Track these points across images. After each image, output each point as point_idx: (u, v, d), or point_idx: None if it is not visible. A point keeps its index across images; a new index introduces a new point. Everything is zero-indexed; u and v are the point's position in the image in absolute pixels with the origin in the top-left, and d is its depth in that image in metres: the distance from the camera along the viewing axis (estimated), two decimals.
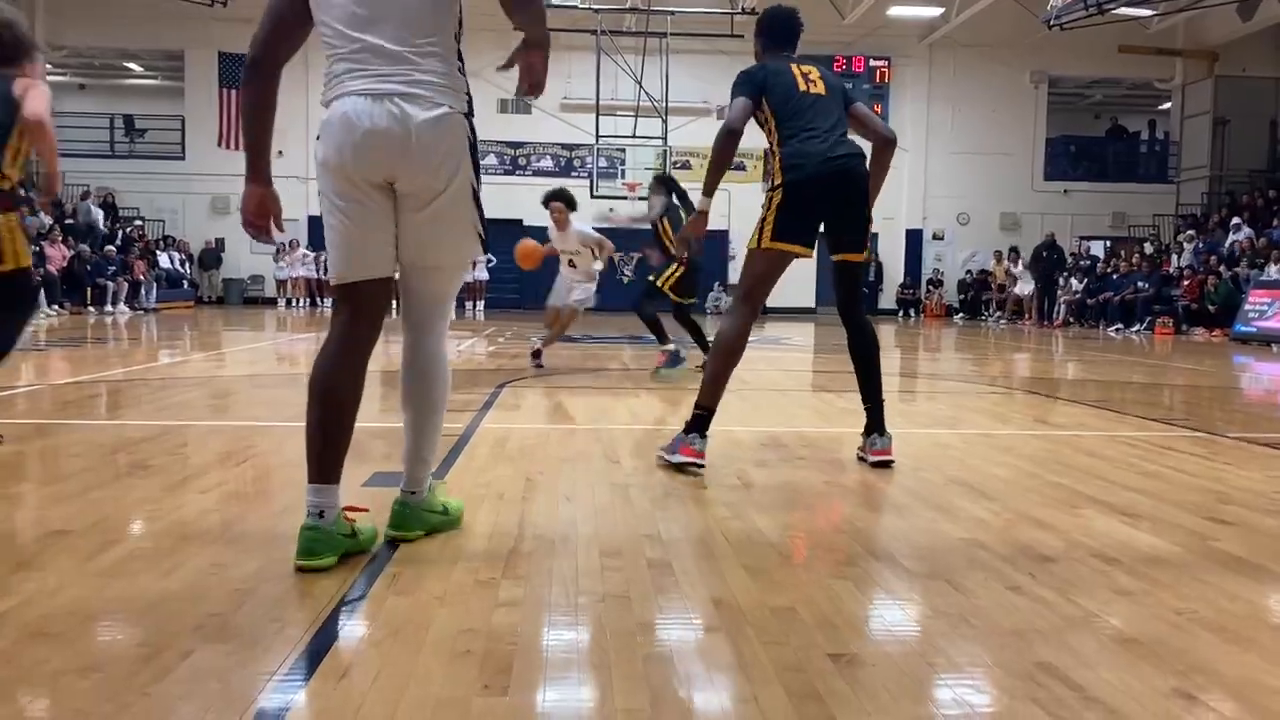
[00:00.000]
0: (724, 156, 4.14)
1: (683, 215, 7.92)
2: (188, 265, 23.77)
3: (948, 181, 25.70)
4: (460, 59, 2.62)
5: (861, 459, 4.32)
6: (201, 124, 24.56)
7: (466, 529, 3.05)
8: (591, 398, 6.99)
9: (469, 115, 2.62)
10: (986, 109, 25.51)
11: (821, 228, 4.18)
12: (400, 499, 2.84)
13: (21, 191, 4.35)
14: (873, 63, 24.83)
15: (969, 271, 25.41)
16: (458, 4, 2.60)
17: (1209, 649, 2.15)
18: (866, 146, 4.26)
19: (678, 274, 8.23)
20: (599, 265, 8.77)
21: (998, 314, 23.88)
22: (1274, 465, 4.69)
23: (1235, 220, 21.08)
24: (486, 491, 3.64)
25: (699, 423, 3.94)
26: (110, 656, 2.01)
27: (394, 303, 2.74)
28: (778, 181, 4.05)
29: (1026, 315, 23.07)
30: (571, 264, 8.56)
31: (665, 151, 21.47)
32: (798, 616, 2.33)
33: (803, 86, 4.12)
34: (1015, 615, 2.38)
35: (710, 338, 7.21)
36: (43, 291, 16.89)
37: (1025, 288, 23.44)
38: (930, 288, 25.71)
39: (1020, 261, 23.98)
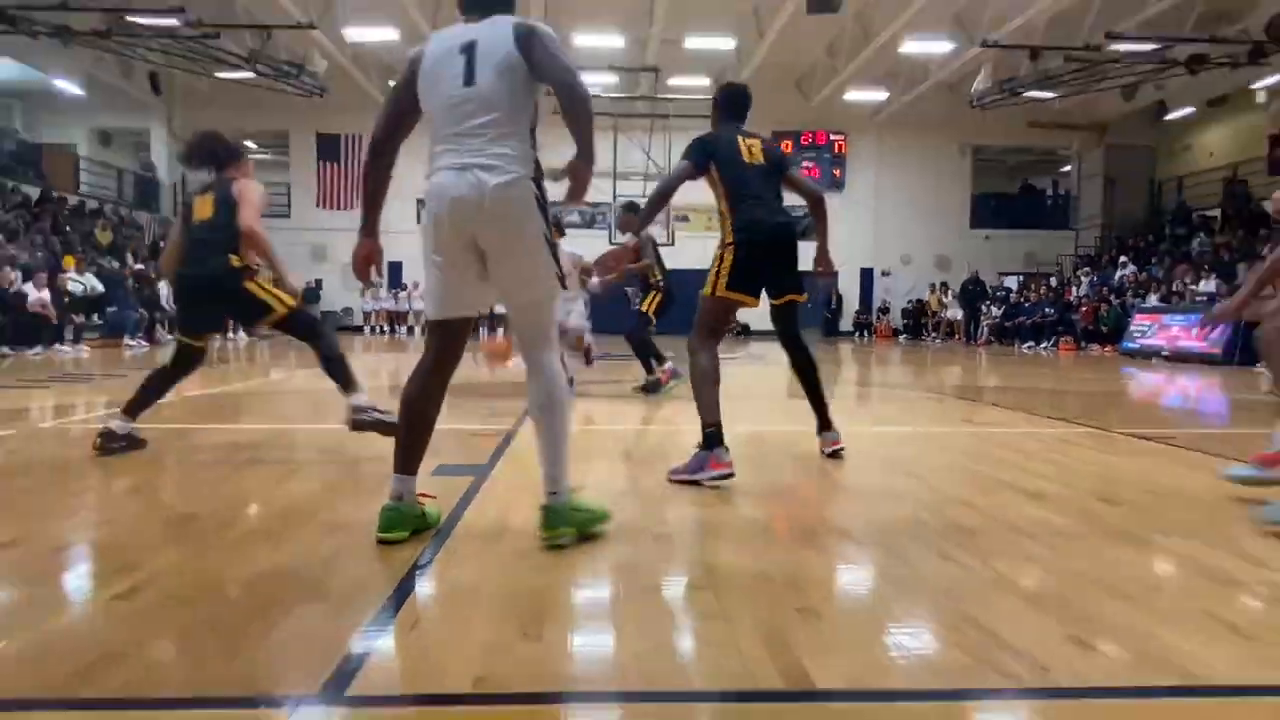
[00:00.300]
0: (657, 208, 4.23)
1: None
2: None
3: (893, 230, 25.69)
4: (533, 137, 2.60)
5: (822, 452, 4.26)
6: (303, 189, 24.74)
7: (510, 509, 3.04)
8: (606, 404, 6.96)
9: (537, 180, 2.57)
10: (924, 172, 25.50)
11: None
12: (544, 502, 2.60)
13: (257, 264, 4.25)
14: (832, 136, 24.84)
15: (910, 301, 25.33)
16: (534, 99, 2.59)
17: (1098, 603, 2.14)
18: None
19: (659, 299, 7.64)
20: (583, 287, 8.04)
21: (934, 335, 23.84)
22: (1153, 455, 4.67)
23: (1122, 259, 21.05)
24: (526, 480, 3.62)
25: (715, 439, 3.62)
26: (229, 614, 2.02)
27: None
28: (729, 240, 3.89)
29: (956, 336, 23.07)
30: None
31: (668, 208, 21.42)
32: (772, 579, 2.33)
33: (746, 157, 3.94)
34: (945, 577, 2.38)
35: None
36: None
37: (955, 314, 23.46)
38: (880, 314, 25.63)
39: (950, 293, 24.02)
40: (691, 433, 4.98)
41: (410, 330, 22.84)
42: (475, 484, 3.49)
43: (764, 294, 4.05)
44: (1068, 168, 27.27)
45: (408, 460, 2.64)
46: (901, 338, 24.65)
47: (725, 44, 19.71)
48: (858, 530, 2.89)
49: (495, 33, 2.54)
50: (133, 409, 4.18)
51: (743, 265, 3.86)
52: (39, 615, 2.01)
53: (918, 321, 24.74)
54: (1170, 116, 23.74)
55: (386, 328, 23.41)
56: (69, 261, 15.90)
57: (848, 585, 2.44)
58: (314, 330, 4.28)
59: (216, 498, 3.29)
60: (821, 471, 4.02)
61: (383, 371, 10.06)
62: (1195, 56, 16.91)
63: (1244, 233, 18.64)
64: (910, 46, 18.81)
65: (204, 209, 4.19)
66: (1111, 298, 19.35)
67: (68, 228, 18.36)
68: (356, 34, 18.99)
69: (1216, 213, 21.08)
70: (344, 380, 4.16)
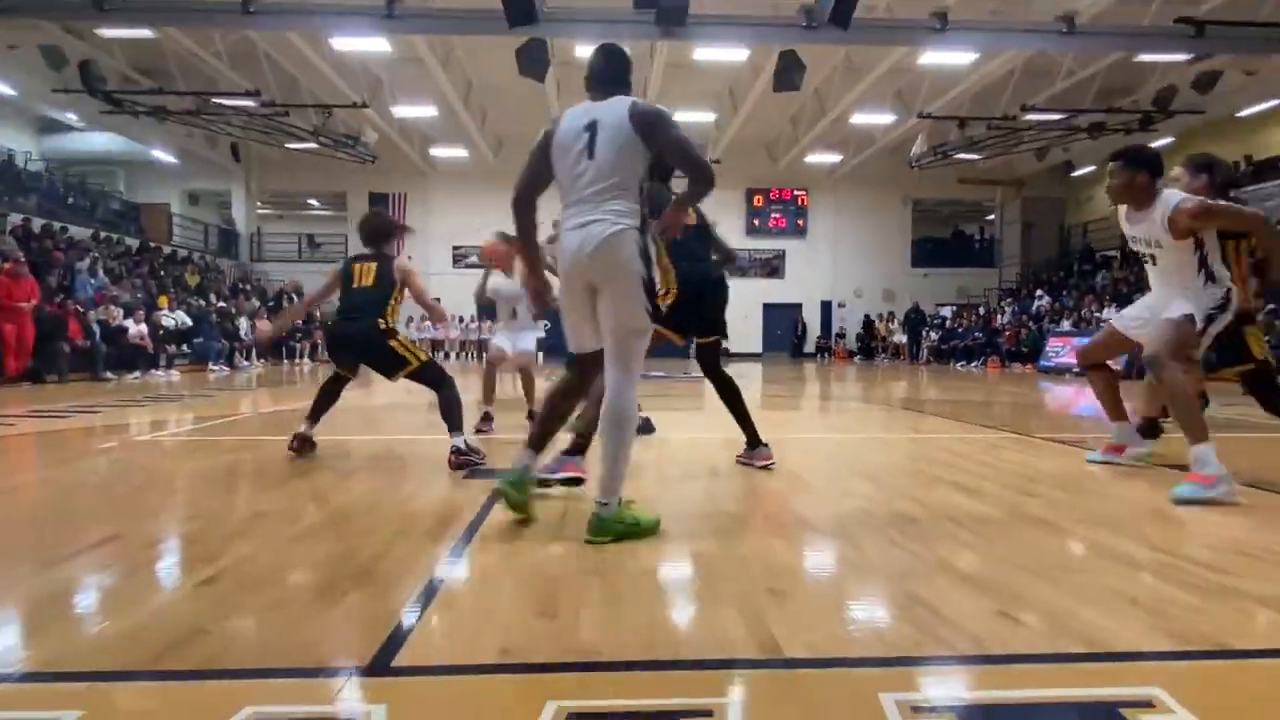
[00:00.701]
0: None
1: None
2: None
3: (848, 269, 25.73)
4: (643, 194, 2.60)
5: (745, 464, 3.97)
6: (358, 240, 24.68)
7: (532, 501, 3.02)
8: None
9: (641, 230, 2.57)
10: (872, 221, 25.59)
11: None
12: (595, 510, 2.53)
13: (399, 328, 4.39)
14: (796, 192, 24.94)
15: (863, 328, 25.35)
16: (644, 166, 2.59)
17: (1021, 583, 2.13)
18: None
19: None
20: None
21: (882, 356, 23.83)
22: (1066, 455, 4.65)
23: (1039, 291, 21.12)
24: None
25: (579, 448, 3.37)
26: (294, 597, 2.02)
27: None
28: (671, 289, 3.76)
29: (901, 356, 23.06)
30: (515, 314, 5.99)
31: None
32: (749, 564, 2.32)
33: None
34: (894, 561, 2.37)
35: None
36: (253, 350, 17.13)
37: (900, 338, 23.47)
38: (837, 339, 25.61)
39: (895, 320, 24.04)
40: (678, 443, 4.99)
41: (448, 355, 22.75)
42: None
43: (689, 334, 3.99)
44: (992, 216, 27.37)
45: (539, 442, 2.78)
46: (856, 359, 24.63)
47: (706, 117, 19.84)
48: (820, 522, 2.88)
49: (613, 112, 2.57)
50: (314, 416, 4.36)
51: (675, 307, 3.72)
52: (135, 599, 2.00)
53: (869, 345, 24.75)
54: (1076, 173, 23.93)
55: (430, 353, 23.37)
56: (163, 300, 15.92)
57: (812, 569, 2.43)
58: (441, 380, 4.28)
59: (284, 497, 3.28)
60: (790, 472, 4.00)
61: (421, 393, 10.01)
62: (1095, 124, 17.05)
63: (1138, 268, 18.68)
64: (859, 118, 18.95)
65: (365, 276, 4.34)
66: (1030, 324, 19.41)
67: (162, 272, 18.41)
68: (402, 111, 19.14)
69: (1115, 253, 21.14)
70: (453, 423, 4.09)
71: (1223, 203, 3.58)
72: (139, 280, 16.59)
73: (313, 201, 28.95)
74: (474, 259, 24.58)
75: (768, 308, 25.13)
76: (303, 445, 4.25)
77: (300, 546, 2.50)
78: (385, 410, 7.39)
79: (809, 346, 25.55)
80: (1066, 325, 17.84)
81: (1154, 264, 3.68)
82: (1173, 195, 3.54)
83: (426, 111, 19.10)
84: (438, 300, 4.27)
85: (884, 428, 6.47)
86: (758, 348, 24.96)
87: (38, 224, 15.82)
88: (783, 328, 25.56)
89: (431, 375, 4.30)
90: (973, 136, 18.01)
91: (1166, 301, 3.58)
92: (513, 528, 2.70)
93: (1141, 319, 3.74)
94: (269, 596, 1.99)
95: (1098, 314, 17.01)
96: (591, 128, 2.56)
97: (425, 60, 14.88)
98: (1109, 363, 4.19)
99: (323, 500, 3.26)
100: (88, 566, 2.29)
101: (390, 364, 4.27)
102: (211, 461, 4.20)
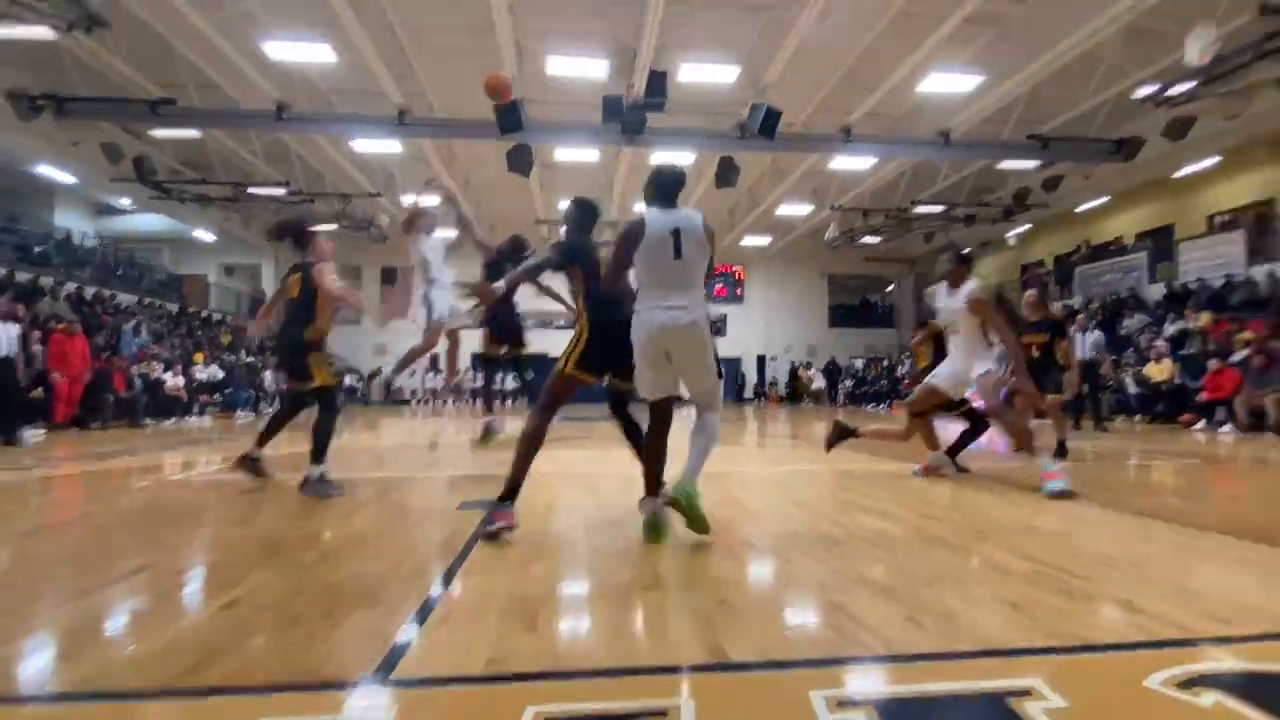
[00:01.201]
0: (519, 282, 3.53)
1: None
2: (360, 382, 23.36)
3: (778, 329, 26.22)
4: (707, 287, 2.85)
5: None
6: (370, 305, 24.51)
7: (517, 532, 2.90)
8: (575, 449, 6.86)
9: (710, 317, 2.81)
10: (797, 290, 26.22)
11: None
12: (686, 488, 2.75)
13: (327, 340, 3.95)
14: (734, 268, 25.49)
15: (790, 377, 25.68)
16: (708, 262, 2.82)
17: (924, 592, 2.14)
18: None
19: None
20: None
21: (807, 400, 24.09)
22: (959, 483, 4.68)
23: None
24: (528, 510, 3.51)
25: (511, 494, 2.92)
26: (305, 618, 1.92)
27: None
28: (583, 330, 3.11)
29: (821, 400, 23.33)
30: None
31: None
32: (701, 581, 2.29)
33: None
34: (820, 575, 2.36)
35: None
36: (277, 398, 16.62)
37: (820, 385, 23.78)
38: (770, 386, 25.89)
39: (815, 370, 24.42)
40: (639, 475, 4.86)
41: (444, 402, 22.35)
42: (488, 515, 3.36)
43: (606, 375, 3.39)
44: (891, 287, 28.25)
45: (649, 487, 2.95)
46: (785, 403, 24.88)
47: None
48: (762, 543, 2.85)
49: (692, 222, 2.79)
50: (261, 440, 4.12)
51: (591, 350, 3.09)
52: (163, 623, 1.89)
53: (795, 391, 25.04)
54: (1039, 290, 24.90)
55: (430, 400, 22.86)
56: (198, 357, 15.44)
57: (754, 583, 2.40)
58: (330, 407, 3.94)
59: (298, 529, 3.14)
60: (734, 499, 3.98)
61: (427, 429, 9.94)
62: (969, 215, 17.87)
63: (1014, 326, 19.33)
64: (784, 209, 19.55)
65: (293, 288, 3.92)
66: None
67: (199, 333, 17.90)
68: (410, 199, 19.19)
69: None
70: (319, 452, 3.84)
71: (994, 314, 4.23)
72: (178, 339, 16.10)
73: None
74: (465, 320, 24.48)
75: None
76: (241, 464, 3.86)
77: (312, 573, 2.39)
78: (391, 451, 7.20)
79: (748, 393, 25.82)
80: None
81: (956, 332, 4.35)
82: (974, 286, 4.20)
83: (431, 200, 19.18)
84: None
85: (810, 461, 6.45)
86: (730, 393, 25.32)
87: (90, 291, 15.35)
88: (726, 378, 25.71)
89: (324, 399, 3.94)
90: (874, 224, 18.70)
91: (968, 364, 4.26)
92: (499, 554, 2.62)
93: (952, 378, 4.40)
94: (283, 618, 1.90)
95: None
96: (676, 234, 2.75)
97: (430, 158, 15.03)
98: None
99: (333, 531, 3.13)
100: (121, 594, 2.16)
101: (298, 375, 3.84)
102: (235, 497, 4.02)
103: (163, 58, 11.13)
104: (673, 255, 2.74)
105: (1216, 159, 14.43)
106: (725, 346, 25.57)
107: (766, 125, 10.80)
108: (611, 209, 19.46)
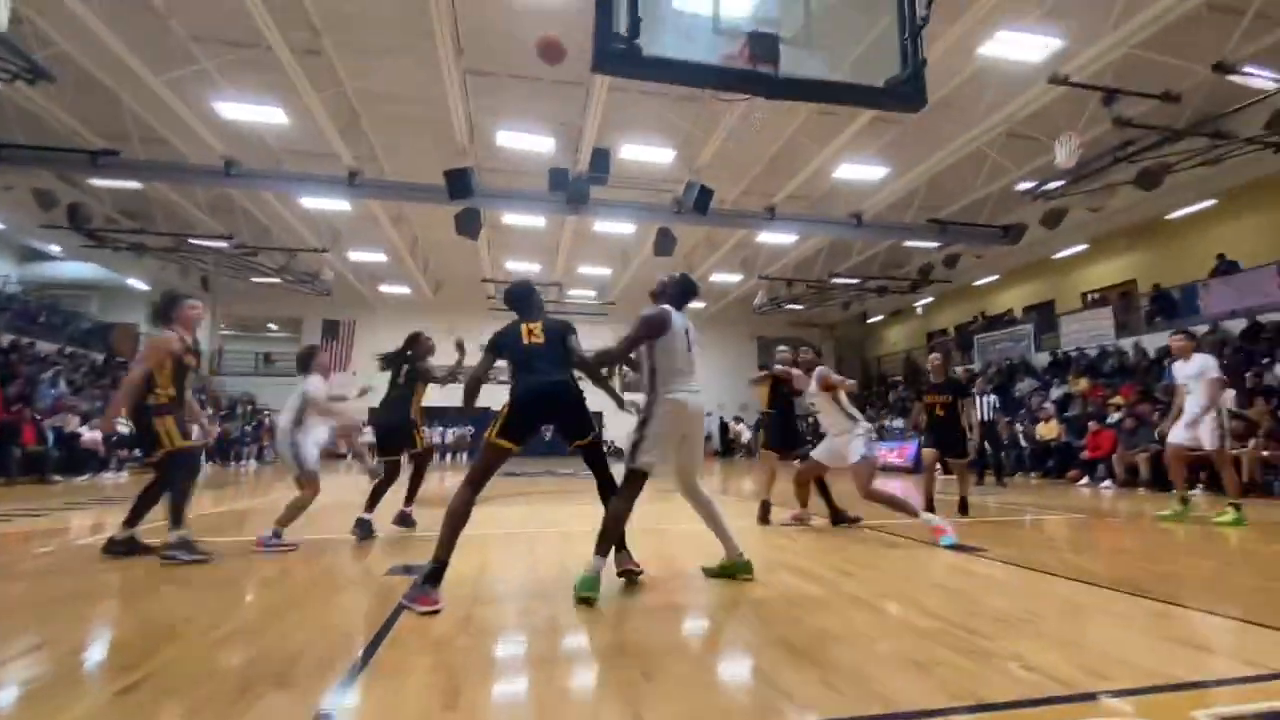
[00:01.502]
0: (474, 395, 3.34)
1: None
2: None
3: (712, 387, 26.23)
4: None
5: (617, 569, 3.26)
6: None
7: (446, 601, 2.81)
8: (517, 507, 6.68)
9: None
10: (729, 351, 26.88)
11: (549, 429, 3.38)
12: (738, 564, 3.31)
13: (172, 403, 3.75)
14: None
15: (723, 432, 25.98)
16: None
17: (837, 653, 2.16)
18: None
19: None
20: None
21: (739, 452, 24.35)
22: (873, 540, 4.78)
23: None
24: (460, 577, 3.36)
25: (436, 576, 2.78)
26: (210, 702, 1.76)
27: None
28: (509, 400, 3.13)
29: (752, 453, 23.59)
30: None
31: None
32: (624, 650, 2.24)
33: (525, 340, 3.27)
34: (740, 639, 2.35)
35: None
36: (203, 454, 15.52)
37: (747, 436, 24.09)
38: (705, 440, 26.00)
39: (744, 425, 24.79)
40: (578, 534, 4.78)
41: (379, 460, 21.35)
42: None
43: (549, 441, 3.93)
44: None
45: (610, 547, 3.08)
46: (720, 456, 25.07)
47: (604, 272, 20.65)
48: (690, 606, 2.82)
49: (691, 325, 3.35)
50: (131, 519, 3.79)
51: (513, 419, 3.10)
52: (54, 710, 1.69)
53: (727, 443, 25.31)
54: (870, 320, 26.27)
55: (368, 455, 21.76)
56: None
57: (678, 651, 2.33)
58: (181, 472, 3.75)
59: (213, 600, 2.89)
60: (666, 560, 3.93)
61: (360, 486, 9.31)
62: (880, 287, 18.98)
63: (915, 390, 20.38)
64: (716, 277, 20.25)
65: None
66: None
67: None
68: (356, 256, 18.83)
69: (900, 378, 23.11)
70: (175, 516, 3.70)
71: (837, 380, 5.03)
72: (99, 391, 14.91)
73: (272, 325, 27.40)
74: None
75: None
76: (111, 546, 3.64)
77: (223, 650, 2.20)
78: (325, 511, 6.79)
79: None
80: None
81: (820, 411, 5.05)
82: (822, 368, 5.10)
83: (377, 257, 18.89)
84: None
85: (738, 516, 6.43)
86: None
87: (7, 339, 14.12)
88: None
89: (174, 462, 3.74)
90: (797, 292, 19.61)
91: (835, 441, 4.99)
92: (424, 626, 2.49)
93: (829, 454, 5.05)
94: (188, 703, 1.74)
95: (888, 424, 18.27)
96: (687, 332, 3.30)
97: (379, 218, 14.87)
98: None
99: (249, 602, 2.90)
100: (8, 677, 1.93)
101: (148, 442, 3.69)
102: (147, 565, 3.68)
103: (108, 109, 10.74)
104: (687, 348, 3.24)
105: (1085, 246, 15.99)
106: None
107: (700, 202, 11.31)
108: (556, 273, 19.68)
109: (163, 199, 14.80)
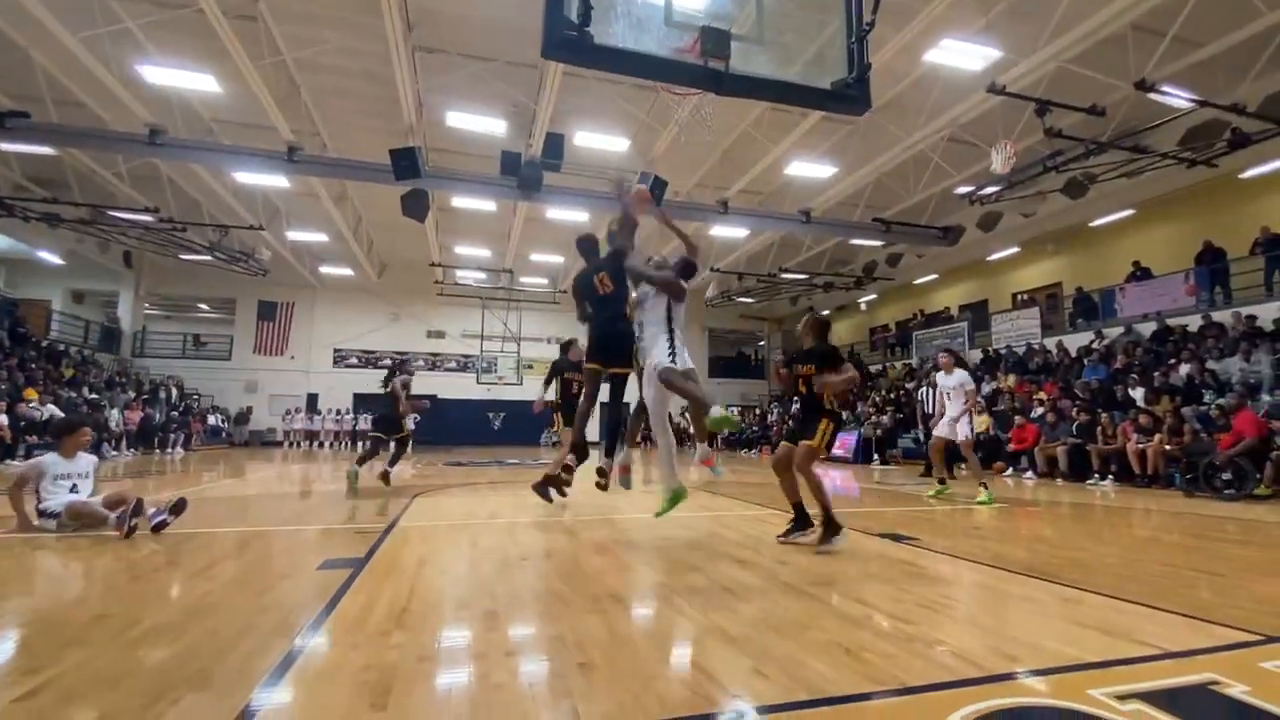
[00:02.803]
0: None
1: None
2: (226, 423, 21.00)
3: None
4: None
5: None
6: (243, 340, 22.27)
7: (377, 597, 2.75)
8: (462, 498, 6.57)
9: None
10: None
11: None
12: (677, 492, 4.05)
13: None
14: None
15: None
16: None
17: (771, 641, 2.21)
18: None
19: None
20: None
21: (689, 445, 24.63)
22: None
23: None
24: (394, 571, 3.31)
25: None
26: (122, 709, 1.67)
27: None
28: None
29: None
30: None
31: (519, 360, 21.40)
32: (564, 641, 2.24)
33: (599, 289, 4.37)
34: (679, 628, 2.38)
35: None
36: (123, 439, 14.59)
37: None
38: None
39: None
40: (522, 526, 4.73)
41: (322, 445, 20.57)
42: (351, 576, 3.09)
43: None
44: (763, 342, 29.94)
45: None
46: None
47: (557, 258, 20.41)
48: (629, 595, 2.84)
49: None
50: None
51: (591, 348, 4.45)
52: None
53: (680, 438, 25.56)
54: (818, 316, 26.84)
55: (304, 443, 20.91)
56: (30, 393, 13.29)
57: (615, 641, 2.33)
58: None
59: (132, 595, 2.73)
60: (608, 550, 3.94)
61: (296, 475, 9.09)
62: (828, 282, 19.48)
63: (860, 385, 21.07)
64: None
65: None
66: (790, 421, 21.02)
67: (33, 365, 15.45)
68: (295, 235, 18.00)
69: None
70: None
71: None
72: (6, 372, 13.80)
73: (202, 306, 25.97)
74: (352, 360, 22.98)
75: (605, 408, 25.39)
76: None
77: (139, 651, 2.08)
78: (255, 500, 6.51)
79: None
80: None
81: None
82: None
83: (318, 237, 18.12)
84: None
85: (684, 508, 6.51)
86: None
87: None
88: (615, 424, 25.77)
89: None
90: (748, 286, 19.90)
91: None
92: (358, 619, 2.43)
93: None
94: (94, 709, 1.64)
95: None
96: None
97: (320, 196, 14.24)
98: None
99: (172, 598, 2.76)
100: None
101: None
102: (60, 557, 3.45)
103: (18, 68, 9.88)
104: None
105: (1017, 249, 16.82)
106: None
107: (654, 192, 11.29)
108: (507, 259, 19.34)
109: (80, 167, 13.76)
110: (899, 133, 11.37)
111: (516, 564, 3.52)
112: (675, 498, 4.16)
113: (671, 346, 3.99)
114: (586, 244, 4.80)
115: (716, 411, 3.58)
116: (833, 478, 11.10)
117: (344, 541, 4.01)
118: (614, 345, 4.34)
